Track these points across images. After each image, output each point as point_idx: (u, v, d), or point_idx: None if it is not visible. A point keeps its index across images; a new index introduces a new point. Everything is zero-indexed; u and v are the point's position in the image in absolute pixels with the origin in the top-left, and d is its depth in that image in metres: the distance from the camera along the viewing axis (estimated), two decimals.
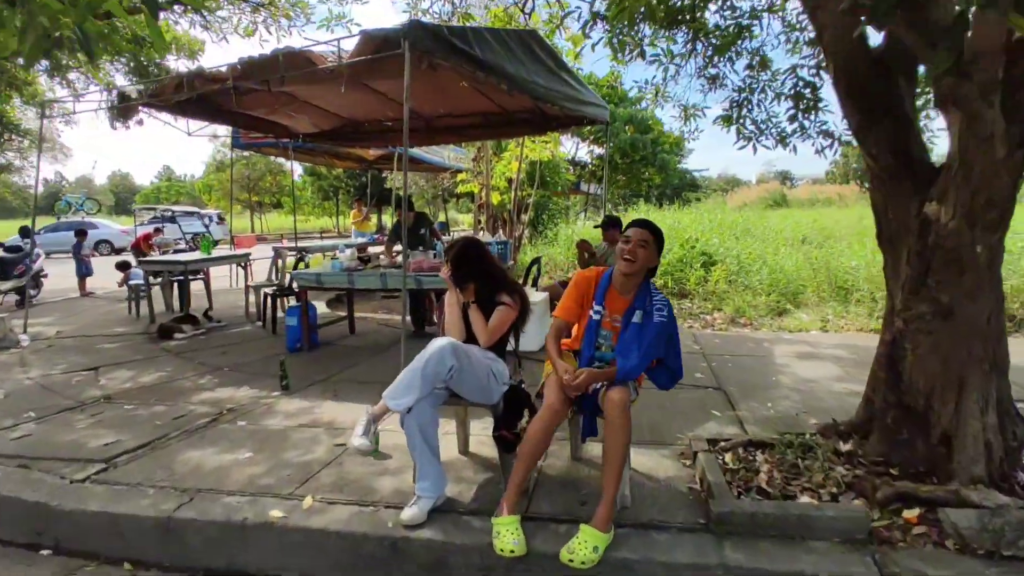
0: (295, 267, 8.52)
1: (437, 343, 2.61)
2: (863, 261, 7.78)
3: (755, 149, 5.16)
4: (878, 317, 6.89)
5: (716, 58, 5.05)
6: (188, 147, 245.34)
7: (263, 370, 4.98)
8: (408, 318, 6.72)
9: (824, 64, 4.41)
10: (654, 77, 5.73)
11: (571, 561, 2.20)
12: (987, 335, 2.39)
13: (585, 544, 2.23)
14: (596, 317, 2.67)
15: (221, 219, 21.56)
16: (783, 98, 4.74)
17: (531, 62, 4.99)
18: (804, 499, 2.53)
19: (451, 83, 5.05)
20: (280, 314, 6.71)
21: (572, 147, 21.59)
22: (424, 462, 2.55)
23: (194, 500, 2.69)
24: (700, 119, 5.70)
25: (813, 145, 4.74)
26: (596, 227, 5.73)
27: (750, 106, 5.06)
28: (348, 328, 6.59)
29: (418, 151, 10.28)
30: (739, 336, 6.31)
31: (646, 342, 2.54)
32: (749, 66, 5.10)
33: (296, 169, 36.74)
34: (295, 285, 5.85)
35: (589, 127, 20.34)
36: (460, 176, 9.47)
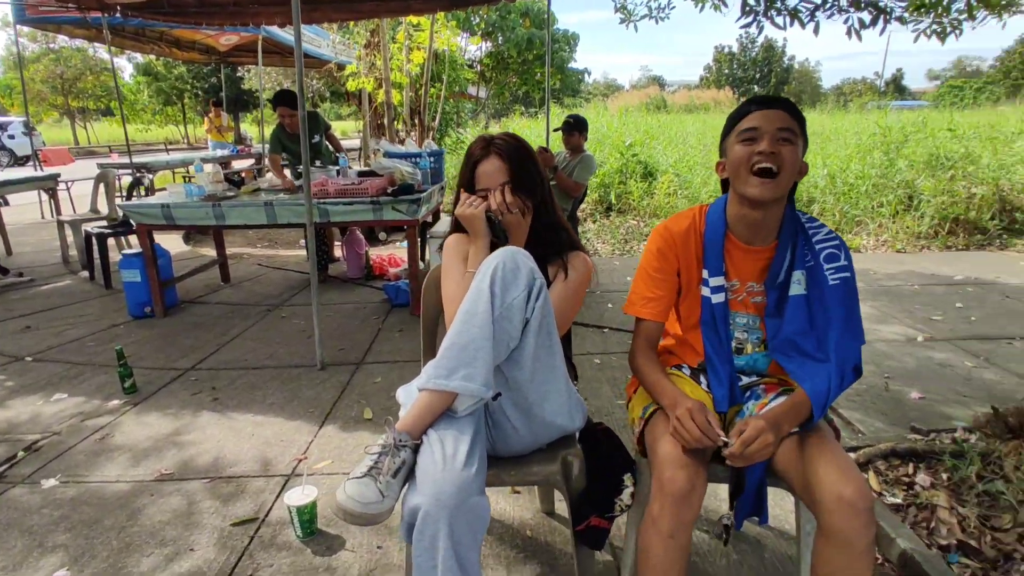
0: (130, 192, 6.38)
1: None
2: (816, 170, 7.14)
3: (760, 28, 3.99)
4: (851, 233, 6.32)
5: None
6: None
7: (93, 357, 3.29)
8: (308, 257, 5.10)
9: None
10: None
11: None
12: None
13: None
14: (718, 299, 1.41)
15: (31, 129, 17.13)
16: None
17: None
18: None
19: None
20: (117, 259, 4.79)
21: (461, 42, 19.39)
22: None
23: None
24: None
25: (847, 23, 3.64)
26: (556, 130, 4.40)
27: None
28: (220, 276, 4.86)
29: (288, 35, 8.08)
30: None
31: (837, 324, 1.32)
32: None
33: (125, 67, 30.67)
34: (132, 223, 4.01)
35: (479, 18, 18.11)
36: (349, 68, 7.50)
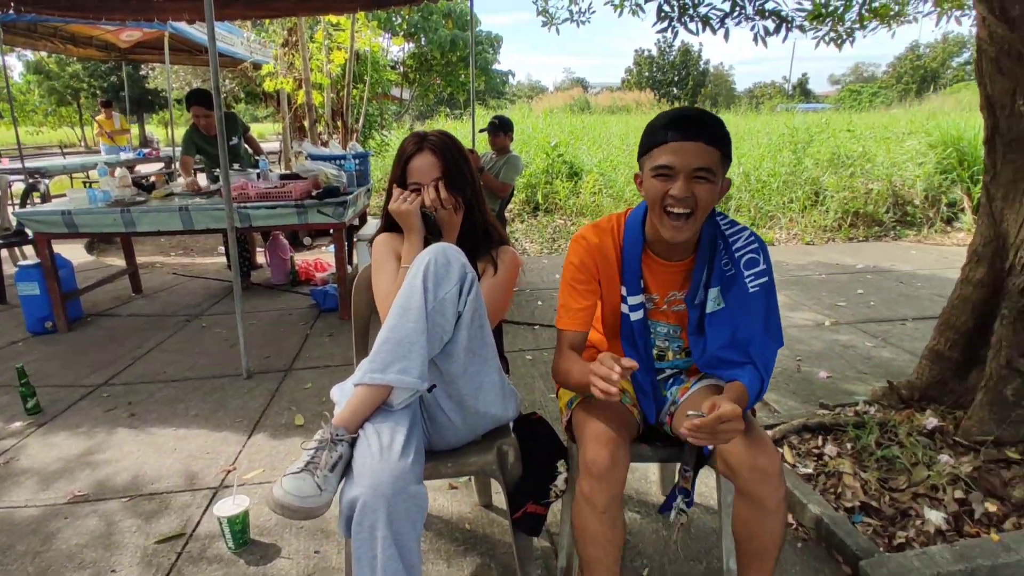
0: (24, 199, 5.91)
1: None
2: (733, 169, 7.51)
3: (675, 33, 4.18)
4: (765, 228, 6.68)
5: None
6: None
7: None
8: (228, 264, 4.90)
9: None
10: None
11: None
12: None
13: None
14: (637, 316, 1.41)
15: None
16: None
17: None
18: (932, 515, 1.77)
19: None
20: (12, 271, 4.41)
21: (384, 43, 19.10)
22: None
23: None
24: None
25: (753, 30, 3.86)
26: (481, 131, 4.43)
27: None
28: (131, 286, 4.59)
29: (197, 32, 7.71)
30: None
31: (758, 331, 1.35)
32: None
33: (15, 66, 28.21)
34: (28, 232, 3.72)
35: (401, 18, 17.87)
36: (266, 68, 7.22)
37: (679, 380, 1.49)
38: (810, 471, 2.02)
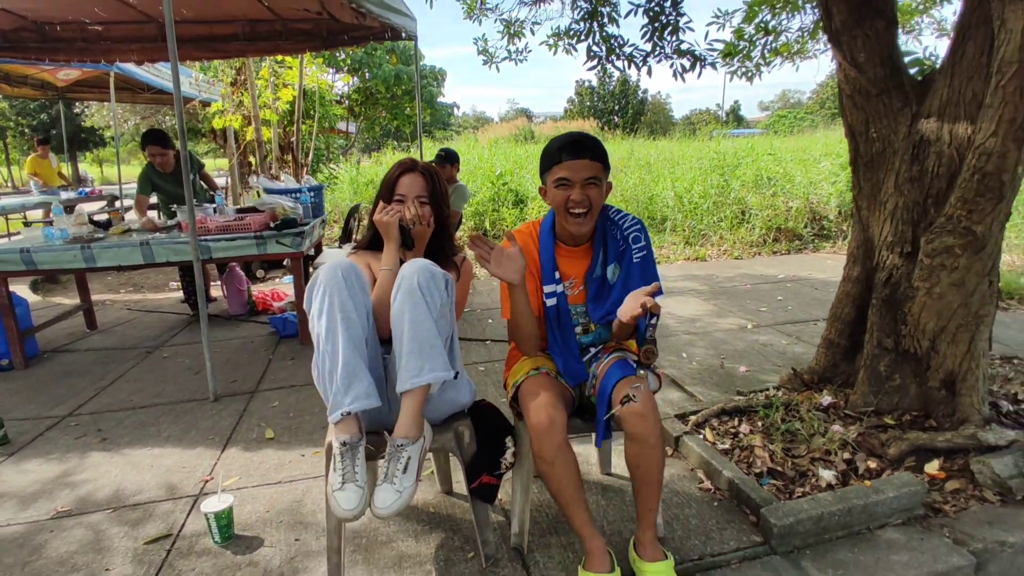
0: None
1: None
2: (662, 188, 8.04)
3: (604, 70, 4.62)
4: (698, 245, 7.16)
5: None
6: None
7: None
8: (184, 298, 4.98)
9: None
10: None
11: None
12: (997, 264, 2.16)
13: None
14: (551, 302, 1.79)
15: None
16: (639, 12, 4.19)
17: None
18: (825, 473, 2.11)
19: None
20: None
21: (330, 79, 19.30)
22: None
23: None
24: (527, 37, 4.92)
25: (672, 67, 4.33)
26: (430, 163, 4.73)
27: (602, 18, 4.44)
28: (85, 323, 4.62)
29: (144, 72, 7.80)
30: None
31: (640, 283, 1.74)
32: None
33: None
34: None
35: (345, 54, 18.13)
36: (215, 106, 7.34)
37: (597, 358, 1.82)
38: (727, 447, 2.34)
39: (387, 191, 1.82)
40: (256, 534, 1.95)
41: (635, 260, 1.79)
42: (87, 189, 10.01)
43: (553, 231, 1.84)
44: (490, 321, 4.43)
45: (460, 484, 2.19)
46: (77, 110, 19.80)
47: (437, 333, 1.52)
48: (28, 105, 25.16)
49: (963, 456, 2.16)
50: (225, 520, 1.88)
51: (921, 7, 4.55)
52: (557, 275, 1.80)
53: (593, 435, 1.75)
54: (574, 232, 1.76)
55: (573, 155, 1.68)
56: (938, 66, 2.29)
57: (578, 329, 1.86)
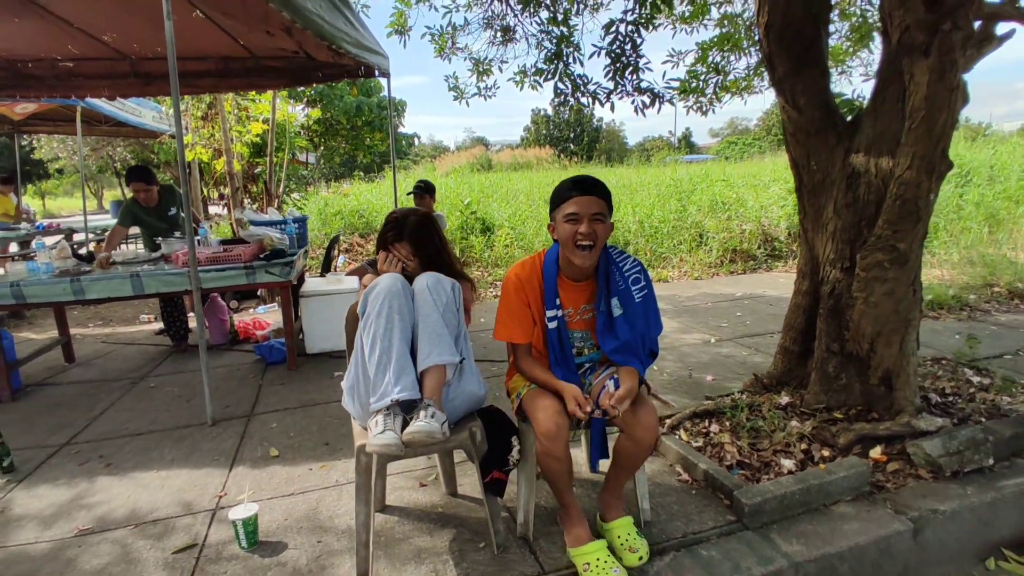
0: None
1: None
2: (624, 214, 8.45)
3: (569, 106, 5.00)
4: (660, 267, 7.54)
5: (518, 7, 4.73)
6: None
7: None
8: (162, 330, 5.03)
9: (644, 19, 4.40)
10: (446, 23, 5.07)
11: (641, 559, 1.89)
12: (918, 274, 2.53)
13: (633, 537, 1.94)
14: (553, 325, 2.01)
15: None
16: (601, 53, 4.58)
17: None
18: (786, 463, 2.40)
19: (178, 10, 3.44)
20: None
21: (297, 111, 19.40)
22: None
23: None
24: (495, 75, 5.27)
25: (633, 103, 4.71)
26: (408, 194, 4.96)
27: (567, 59, 4.82)
28: (63, 356, 4.63)
29: (109, 106, 7.82)
30: None
31: (643, 326, 1.99)
32: (552, 19, 4.84)
33: None
34: None
35: (307, 87, 18.28)
36: (185, 139, 7.41)
37: (592, 370, 2.06)
38: (700, 444, 2.62)
39: (383, 244, 2.09)
40: (279, 539, 2.11)
41: (637, 300, 1.98)
42: (44, 223, 9.86)
43: (557, 263, 2.02)
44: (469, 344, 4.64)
45: (464, 486, 2.40)
46: (24, 142, 19.33)
47: (444, 324, 1.85)
48: None
49: (900, 442, 2.49)
50: (252, 526, 2.04)
51: (851, 49, 5.10)
52: (558, 301, 2.01)
53: (582, 436, 2.01)
54: (579, 264, 1.93)
55: (582, 192, 1.90)
56: (864, 106, 2.68)
57: (581, 348, 2.10)
